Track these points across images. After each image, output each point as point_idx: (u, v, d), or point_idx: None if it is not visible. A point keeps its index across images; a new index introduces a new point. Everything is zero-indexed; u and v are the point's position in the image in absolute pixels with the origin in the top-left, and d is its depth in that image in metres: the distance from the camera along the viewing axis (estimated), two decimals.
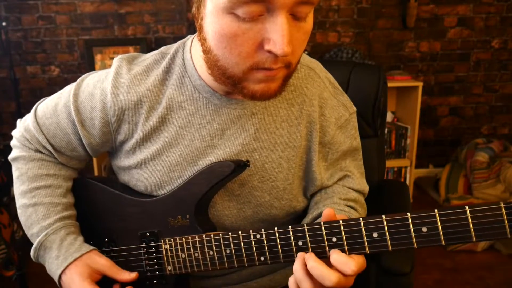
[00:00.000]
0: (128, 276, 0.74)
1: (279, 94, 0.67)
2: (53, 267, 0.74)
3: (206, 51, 0.64)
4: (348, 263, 0.56)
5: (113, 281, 0.76)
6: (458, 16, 2.72)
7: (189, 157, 0.74)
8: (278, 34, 0.56)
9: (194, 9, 0.65)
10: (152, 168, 0.76)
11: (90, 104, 0.75)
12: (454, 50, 2.79)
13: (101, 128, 0.76)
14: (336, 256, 0.58)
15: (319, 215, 0.78)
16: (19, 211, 0.79)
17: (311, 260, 0.58)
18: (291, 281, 0.61)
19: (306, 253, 0.60)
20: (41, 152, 0.81)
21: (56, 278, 0.74)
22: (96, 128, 0.76)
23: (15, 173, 0.81)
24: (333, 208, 0.63)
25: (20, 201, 0.79)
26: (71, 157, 0.82)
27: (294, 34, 0.59)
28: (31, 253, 0.76)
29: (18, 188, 0.80)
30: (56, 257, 0.73)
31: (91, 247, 0.76)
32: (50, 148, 0.79)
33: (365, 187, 0.88)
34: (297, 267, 0.60)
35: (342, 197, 0.81)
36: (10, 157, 0.83)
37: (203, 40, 0.64)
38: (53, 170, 0.80)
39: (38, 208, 0.77)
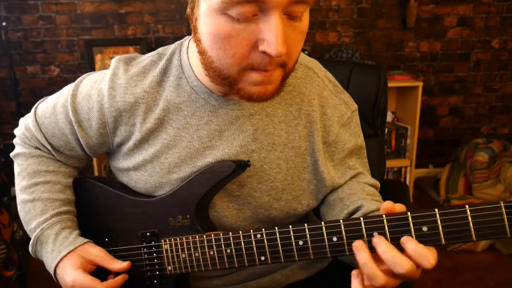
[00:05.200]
0: (120, 265, 0.74)
1: (276, 95, 0.66)
2: (49, 261, 0.74)
3: (201, 53, 0.64)
4: (428, 256, 0.52)
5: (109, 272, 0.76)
6: (458, 16, 2.72)
7: (188, 158, 0.74)
8: (272, 34, 0.56)
9: (188, 10, 0.64)
10: (150, 170, 0.76)
11: (88, 105, 0.76)
12: (454, 50, 2.79)
13: (98, 129, 0.76)
14: (414, 246, 0.53)
15: (355, 210, 0.74)
16: (19, 207, 0.79)
17: (383, 244, 0.54)
18: (355, 284, 0.56)
19: (370, 239, 0.55)
20: (41, 150, 0.82)
21: (51, 272, 0.74)
22: (93, 129, 0.76)
23: (16, 169, 0.82)
24: (389, 201, 0.58)
25: (20, 197, 0.79)
26: (69, 156, 0.82)
27: (289, 34, 0.58)
28: (29, 248, 0.76)
29: (18, 184, 0.81)
30: (51, 251, 0.74)
31: (86, 240, 0.75)
32: (48, 147, 0.80)
33: (377, 182, 0.86)
34: (366, 261, 0.54)
35: (364, 192, 0.79)
36: (12, 154, 0.84)
37: (198, 41, 0.64)
38: (53, 166, 0.81)
39: (36, 204, 0.77)
